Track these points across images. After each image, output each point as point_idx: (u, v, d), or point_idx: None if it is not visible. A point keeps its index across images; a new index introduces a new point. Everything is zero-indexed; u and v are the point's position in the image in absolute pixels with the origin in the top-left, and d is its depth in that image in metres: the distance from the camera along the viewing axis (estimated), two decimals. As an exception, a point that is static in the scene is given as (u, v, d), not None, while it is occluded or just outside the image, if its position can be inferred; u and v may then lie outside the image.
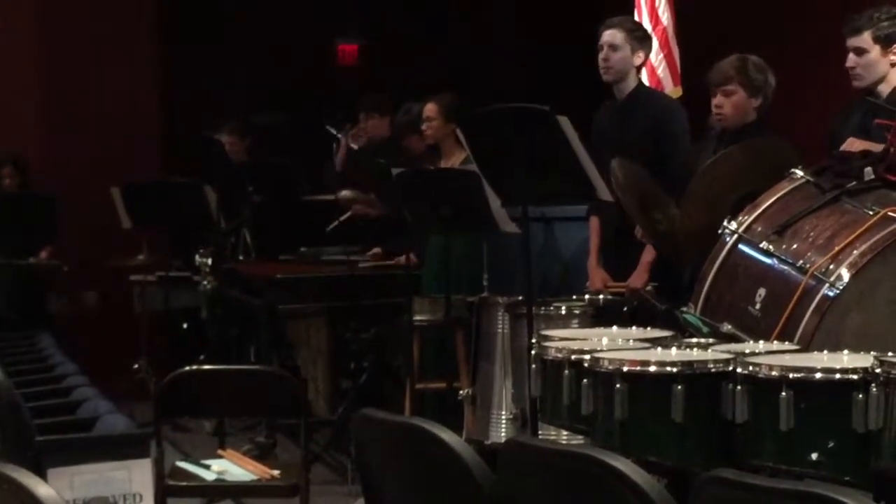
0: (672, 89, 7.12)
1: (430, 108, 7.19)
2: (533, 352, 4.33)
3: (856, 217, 4.15)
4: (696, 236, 4.73)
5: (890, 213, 4.09)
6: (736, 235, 4.33)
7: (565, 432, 4.86)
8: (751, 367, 3.63)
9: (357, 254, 7.86)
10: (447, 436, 2.77)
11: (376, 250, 7.76)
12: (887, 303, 4.04)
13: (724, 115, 5.60)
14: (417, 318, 6.40)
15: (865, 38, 5.18)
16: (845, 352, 3.77)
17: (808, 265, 4.09)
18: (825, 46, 5.39)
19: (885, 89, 5.20)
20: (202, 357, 8.02)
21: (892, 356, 3.49)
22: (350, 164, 8.65)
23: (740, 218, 4.36)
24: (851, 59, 5.23)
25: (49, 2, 9.57)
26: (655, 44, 6.83)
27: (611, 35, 6.01)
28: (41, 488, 2.19)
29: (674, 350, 4.01)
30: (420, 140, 7.69)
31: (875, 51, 5.18)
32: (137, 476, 4.66)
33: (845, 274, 4.00)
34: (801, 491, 2.23)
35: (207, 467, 4.96)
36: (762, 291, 4.20)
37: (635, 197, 5.21)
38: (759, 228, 4.30)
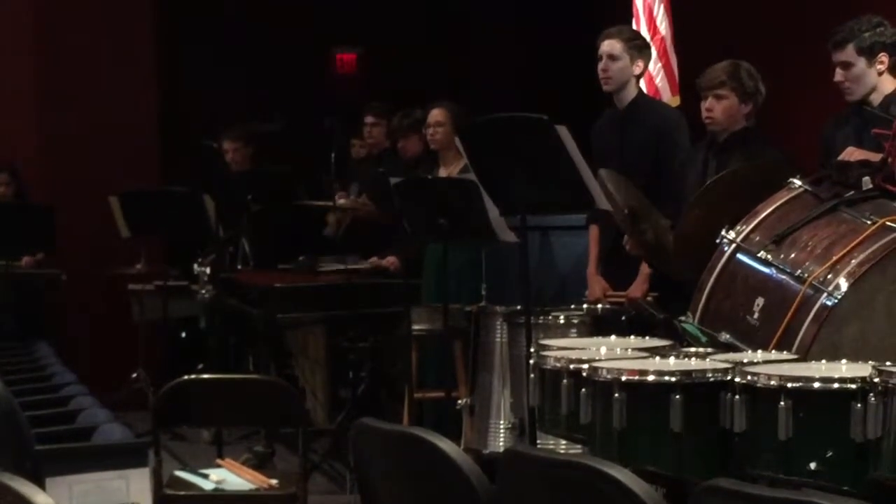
0: (670, 98, 7.12)
1: (439, 113, 7.13)
2: (531, 361, 4.33)
3: (854, 226, 4.15)
4: (691, 242, 4.72)
5: (888, 223, 4.09)
6: (734, 245, 4.34)
7: (564, 441, 4.86)
8: (749, 377, 3.64)
9: (355, 263, 7.85)
10: (445, 445, 2.77)
11: (373, 259, 7.76)
12: (886, 312, 4.04)
13: (713, 119, 5.56)
14: (416, 327, 6.40)
15: (849, 52, 5.15)
16: (843, 361, 3.77)
17: (806, 274, 4.09)
18: (822, 57, 5.38)
19: (876, 98, 5.18)
20: (200, 366, 8.01)
21: (890, 365, 3.49)
22: (351, 173, 8.66)
23: (738, 227, 4.36)
24: (839, 73, 5.19)
25: (47, 10, 9.56)
26: (654, 53, 6.83)
27: (609, 45, 6.00)
28: (39, 497, 2.18)
29: (672, 359, 4.01)
30: (417, 142, 7.67)
31: (861, 63, 5.15)
32: (135, 485, 4.65)
33: (843, 283, 4.00)
34: (799, 500, 2.23)
35: (205, 476, 4.96)
36: (760, 301, 4.20)
37: (623, 208, 5.22)
38: (758, 238, 4.30)
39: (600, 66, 6.00)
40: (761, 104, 5.61)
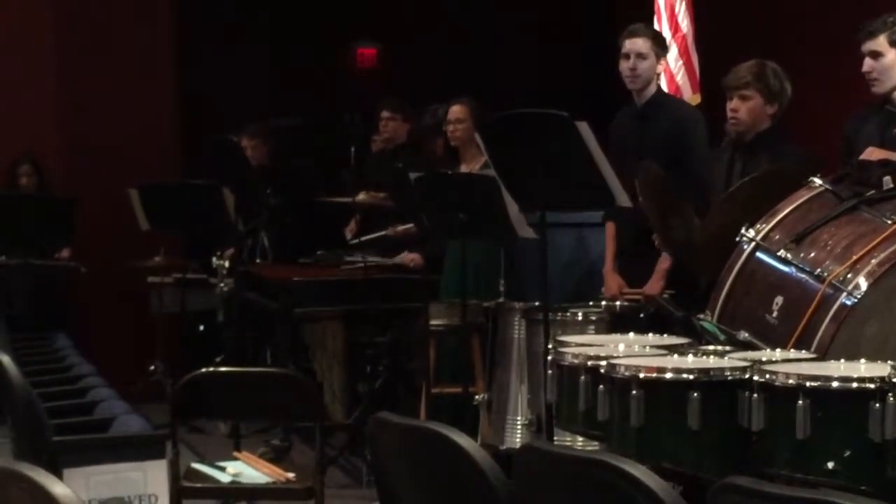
0: (691, 96, 7.12)
1: (459, 110, 7.10)
2: (549, 357, 4.33)
3: (874, 226, 4.14)
4: (715, 244, 4.71)
5: (908, 223, 4.08)
6: (754, 243, 4.33)
7: (581, 438, 4.86)
8: (767, 375, 3.63)
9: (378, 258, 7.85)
10: (463, 440, 2.77)
11: (401, 255, 7.75)
12: (905, 312, 4.03)
13: (738, 120, 5.55)
14: (434, 322, 6.40)
15: (881, 42, 5.15)
16: (862, 360, 3.76)
17: (825, 273, 4.08)
18: (844, 55, 5.37)
19: None
20: (218, 359, 8.02)
21: (909, 365, 3.48)
22: (368, 168, 8.66)
23: (758, 226, 4.35)
24: (868, 63, 5.19)
25: (67, 5, 9.59)
26: (674, 51, 6.82)
27: (636, 44, 5.97)
28: (57, 488, 2.19)
29: (690, 357, 4.01)
30: (441, 145, 7.66)
31: (891, 54, 5.15)
32: (153, 477, 4.67)
33: (863, 283, 3.99)
34: (816, 500, 2.22)
35: (222, 469, 4.97)
36: (779, 299, 4.19)
37: (657, 202, 5.20)
38: (777, 236, 4.29)
39: (628, 64, 5.97)
40: (787, 104, 5.59)
